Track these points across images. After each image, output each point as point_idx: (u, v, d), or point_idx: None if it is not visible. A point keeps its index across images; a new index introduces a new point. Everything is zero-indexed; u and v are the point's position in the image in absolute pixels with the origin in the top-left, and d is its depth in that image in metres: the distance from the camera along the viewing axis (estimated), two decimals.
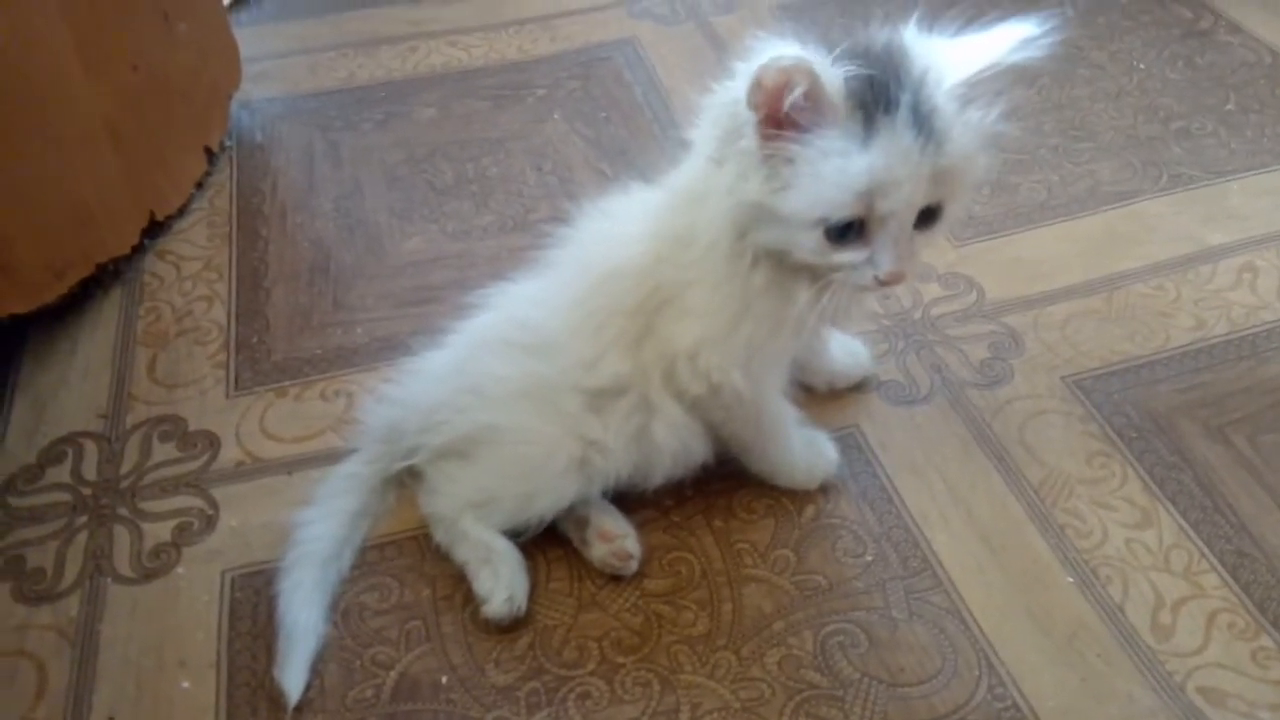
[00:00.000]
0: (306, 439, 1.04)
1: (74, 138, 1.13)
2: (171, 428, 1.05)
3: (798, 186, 0.72)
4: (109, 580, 0.93)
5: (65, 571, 0.93)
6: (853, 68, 0.69)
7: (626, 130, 1.43)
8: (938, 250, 1.21)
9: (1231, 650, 0.85)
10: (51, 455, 1.03)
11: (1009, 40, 0.73)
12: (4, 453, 1.03)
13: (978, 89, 0.73)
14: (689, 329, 0.84)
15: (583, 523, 0.92)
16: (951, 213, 0.77)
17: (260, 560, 0.93)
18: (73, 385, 1.10)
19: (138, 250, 1.24)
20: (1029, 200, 1.29)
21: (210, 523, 0.97)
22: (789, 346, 0.87)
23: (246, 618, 0.89)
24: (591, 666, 0.85)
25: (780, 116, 0.70)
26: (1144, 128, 1.40)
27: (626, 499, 0.94)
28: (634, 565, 0.91)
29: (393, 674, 0.85)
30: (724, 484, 0.97)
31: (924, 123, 0.70)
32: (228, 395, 1.09)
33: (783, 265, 0.78)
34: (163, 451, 1.03)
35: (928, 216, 0.76)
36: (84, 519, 0.97)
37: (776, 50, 0.69)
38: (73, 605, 0.91)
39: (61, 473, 1.01)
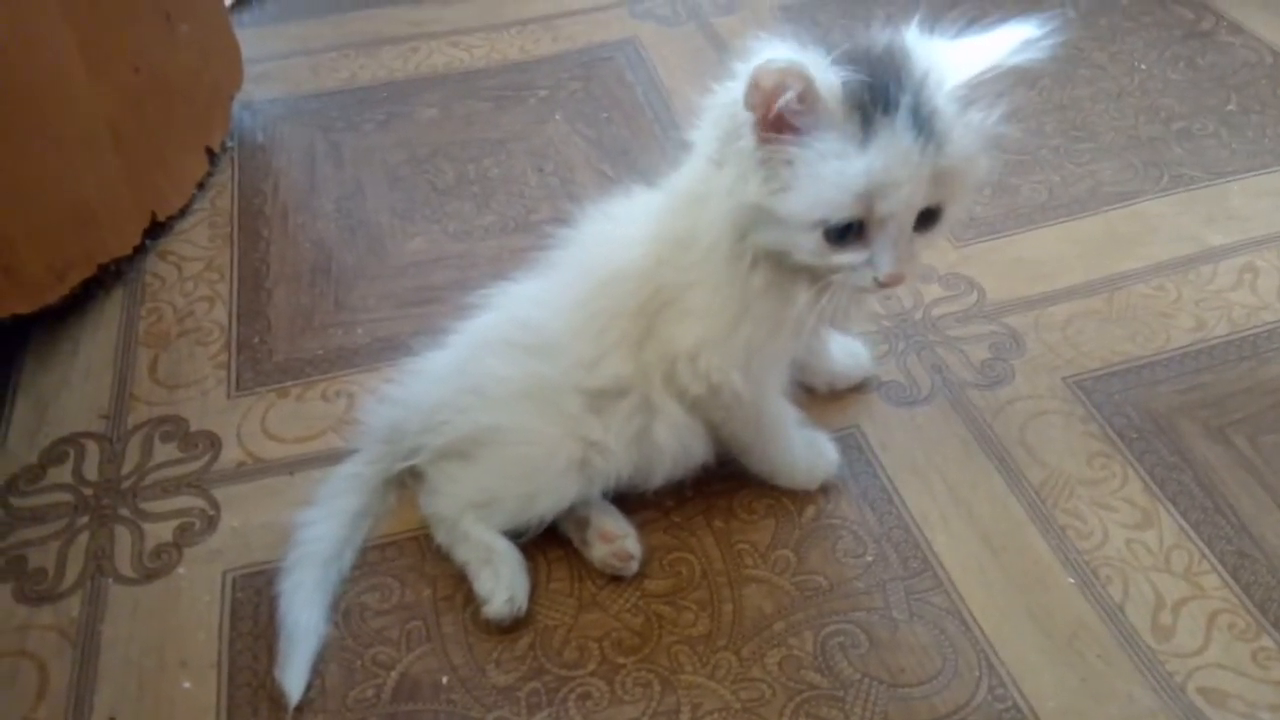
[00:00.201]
0: (308, 439, 1.04)
1: (76, 138, 1.13)
2: (173, 428, 1.05)
3: (797, 188, 0.72)
4: (110, 580, 0.93)
5: (66, 572, 0.93)
6: (849, 70, 0.69)
7: (628, 131, 1.43)
8: (938, 251, 1.21)
9: (1232, 651, 0.85)
10: (53, 455, 1.03)
11: (1010, 42, 0.73)
12: (6, 453, 1.04)
13: (979, 91, 0.73)
14: (689, 330, 0.84)
15: (583, 523, 0.92)
16: (952, 214, 0.77)
17: (261, 560, 0.93)
18: (74, 385, 1.10)
19: (139, 251, 1.24)
20: (1030, 201, 1.29)
21: (211, 523, 0.97)
22: (788, 347, 0.87)
23: (248, 618, 0.90)
24: (592, 667, 0.85)
25: (776, 118, 0.70)
26: (1145, 128, 1.40)
27: (627, 499, 0.94)
28: (634, 566, 0.91)
29: (393, 674, 0.86)
30: (725, 484, 0.97)
31: (924, 124, 0.70)
32: (229, 395, 1.09)
33: (782, 267, 0.78)
34: (164, 452, 1.03)
35: (928, 218, 0.76)
36: (85, 519, 0.97)
37: (773, 52, 0.69)
38: (74, 605, 0.91)
39: (63, 473, 1.02)
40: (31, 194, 1.08)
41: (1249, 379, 1.07)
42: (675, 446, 0.89)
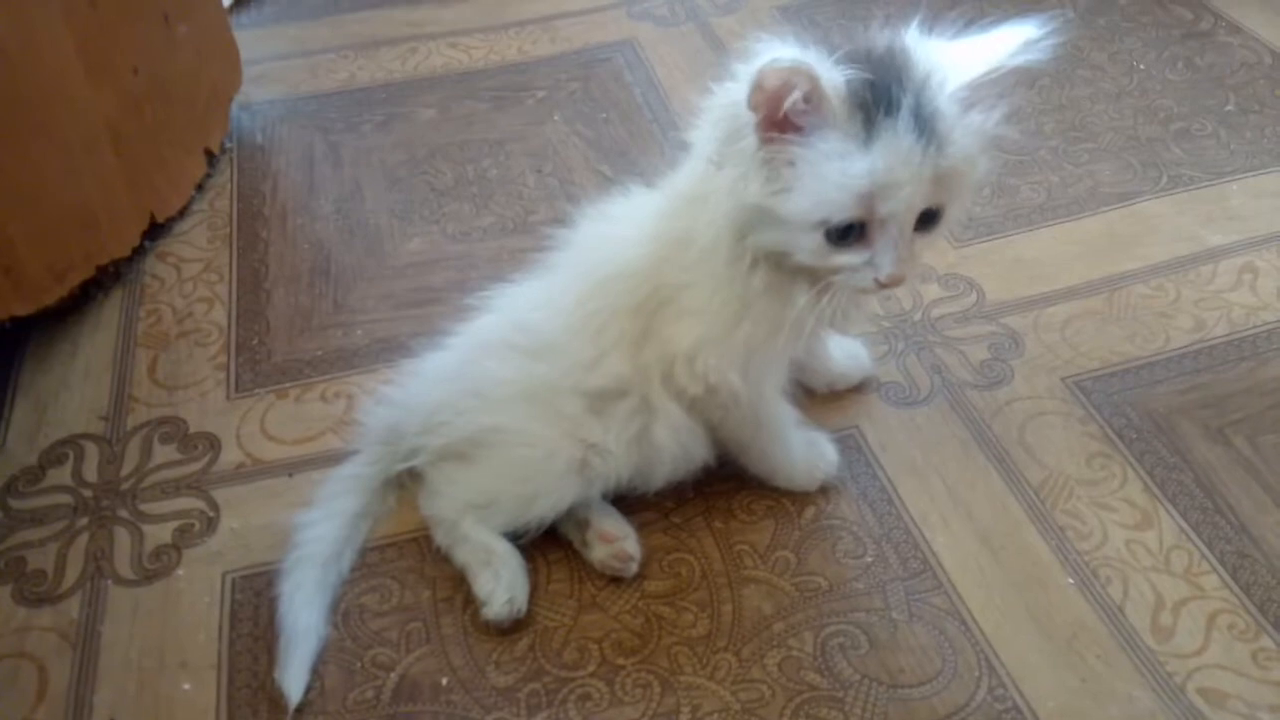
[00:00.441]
0: (307, 441, 1.04)
1: (75, 140, 1.13)
2: (172, 429, 1.05)
3: (799, 188, 0.72)
4: (110, 582, 0.93)
5: (66, 573, 0.93)
6: (853, 70, 0.69)
7: (626, 131, 1.43)
8: (938, 252, 1.21)
9: (1232, 651, 0.85)
10: (52, 457, 1.03)
11: (1011, 43, 0.73)
12: (5, 454, 1.04)
13: (980, 92, 0.73)
14: (688, 330, 0.84)
15: (583, 525, 0.92)
16: (951, 215, 0.78)
17: (261, 562, 0.93)
18: (74, 387, 1.10)
19: (138, 252, 1.24)
20: (1029, 201, 1.29)
21: (211, 524, 0.97)
22: (787, 348, 0.87)
23: (247, 619, 0.89)
24: (592, 668, 0.85)
25: (780, 118, 0.70)
26: (1144, 129, 1.40)
27: (627, 501, 0.94)
28: (634, 567, 0.91)
29: (393, 675, 0.86)
30: (724, 485, 0.97)
31: (925, 125, 0.70)
32: (228, 397, 1.09)
33: (782, 268, 0.78)
34: (163, 453, 1.03)
35: (928, 218, 0.76)
36: (85, 521, 0.97)
37: (777, 52, 0.69)
38: (73, 607, 0.91)
39: (62, 474, 1.01)
40: (31, 195, 1.08)
41: (1248, 379, 1.07)
42: (675, 448, 0.89)
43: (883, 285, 0.76)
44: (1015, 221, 1.26)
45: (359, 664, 0.86)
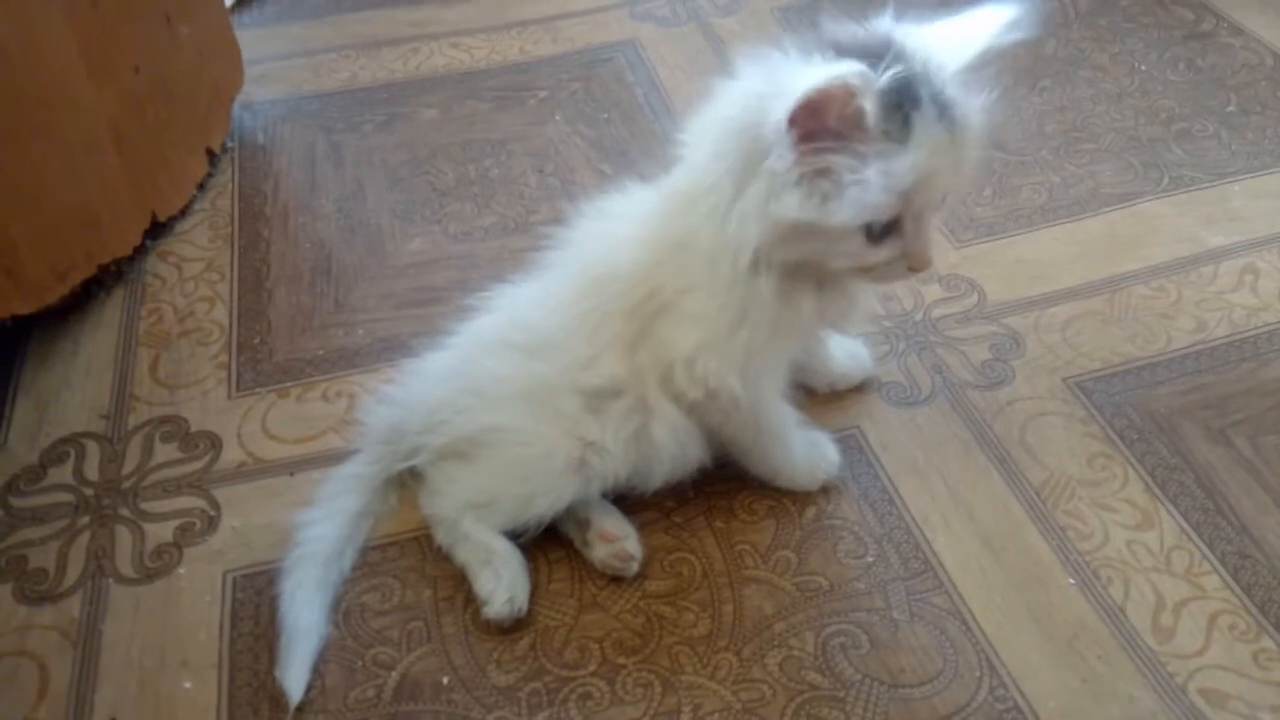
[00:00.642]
0: (308, 440, 1.04)
1: (77, 140, 1.14)
2: (173, 428, 1.06)
3: (843, 196, 0.72)
4: (111, 581, 0.93)
5: (67, 572, 0.93)
6: (891, 71, 0.69)
7: (628, 131, 1.43)
8: (939, 252, 1.21)
9: (1233, 652, 0.85)
10: (54, 456, 1.03)
11: (993, 23, 0.74)
12: (6, 453, 1.04)
13: (974, 74, 0.75)
14: (687, 334, 0.83)
15: (584, 524, 0.92)
16: (953, 195, 0.79)
17: (262, 561, 0.93)
18: (75, 386, 1.10)
19: (140, 251, 1.24)
20: (1030, 202, 1.29)
21: (212, 523, 0.97)
22: (787, 351, 0.87)
23: (248, 618, 0.90)
24: (593, 667, 0.85)
25: (818, 130, 0.69)
26: (1145, 129, 1.40)
27: (628, 500, 0.94)
28: (635, 566, 0.91)
29: (394, 674, 0.86)
30: (725, 485, 0.97)
31: (946, 113, 0.71)
32: (229, 396, 1.09)
33: (791, 273, 0.79)
34: (165, 452, 1.03)
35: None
36: (86, 519, 0.97)
37: (822, 69, 0.68)
38: (74, 605, 0.91)
39: (64, 473, 1.02)
40: (32, 195, 1.08)
41: (1250, 380, 1.07)
42: (673, 447, 0.89)
43: (917, 272, 0.78)
44: (1016, 222, 1.26)
45: (360, 663, 0.86)
